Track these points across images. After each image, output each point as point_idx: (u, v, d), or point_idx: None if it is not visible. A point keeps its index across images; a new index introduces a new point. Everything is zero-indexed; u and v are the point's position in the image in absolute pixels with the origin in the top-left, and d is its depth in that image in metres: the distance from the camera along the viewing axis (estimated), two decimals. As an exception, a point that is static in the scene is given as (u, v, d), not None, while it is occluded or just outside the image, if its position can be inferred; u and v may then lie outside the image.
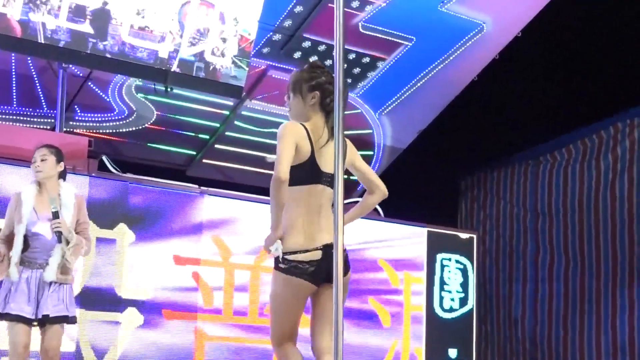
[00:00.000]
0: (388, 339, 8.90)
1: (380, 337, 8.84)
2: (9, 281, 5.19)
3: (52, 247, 5.25)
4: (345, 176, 4.27)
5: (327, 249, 4.03)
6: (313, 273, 4.06)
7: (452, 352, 9.45)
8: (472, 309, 9.71)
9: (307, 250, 4.06)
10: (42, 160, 5.42)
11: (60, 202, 5.34)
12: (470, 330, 9.67)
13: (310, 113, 4.28)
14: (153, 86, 8.66)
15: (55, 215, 5.25)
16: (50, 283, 5.22)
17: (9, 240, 5.27)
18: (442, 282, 9.45)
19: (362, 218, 8.67)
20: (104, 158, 7.77)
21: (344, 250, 4.09)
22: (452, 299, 9.54)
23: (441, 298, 9.44)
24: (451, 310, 9.53)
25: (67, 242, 5.26)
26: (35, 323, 5.23)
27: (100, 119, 9.18)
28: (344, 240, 3.88)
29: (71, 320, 5.35)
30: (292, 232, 4.08)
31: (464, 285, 9.67)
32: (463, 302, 9.62)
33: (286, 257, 4.05)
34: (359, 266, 8.57)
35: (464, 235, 9.80)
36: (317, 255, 4.07)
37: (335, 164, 4.07)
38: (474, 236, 9.83)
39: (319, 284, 4.10)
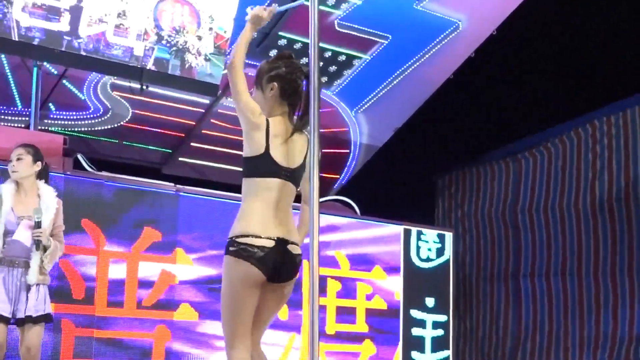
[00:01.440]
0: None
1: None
2: None
3: (30, 249, 5.25)
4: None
5: (281, 243, 3.97)
6: (262, 260, 3.92)
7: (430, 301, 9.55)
8: (448, 260, 9.77)
9: (258, 237, 3.94)
10: (17, 159, 5.41)
11: (40, 206, 5.33)
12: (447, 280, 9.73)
13: (271, 105, 4.17)
14: (128, 84, 8.62)
15: (38, 225, 5.26)
16: (30, 285, 5.24)
17: None
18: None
19: (338, 216, 8.79)
20: (79, 156, 7.71)
21: (299, 255, 4.08)
22: (429, 249, 9.56)
23: (418, 248, 9.45)
24: (428, 260, 9.60)
25: (45, 249, 5.28)
26: (11, 322, 5.21)
27: (75, 117, 9.14)
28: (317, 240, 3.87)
29: (50, 318, 5.38)
30: (246, 219, 3.98)
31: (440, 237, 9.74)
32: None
33: (236, 239, 3.94)
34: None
35: (440, 233, 9.81)
36: (269, 243, 3.94)
37: (310, 161, 4.06)
38: (451, 234, 9.85)
39: (266, 276, 3.96)
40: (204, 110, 9.74)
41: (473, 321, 11.20)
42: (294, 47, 9.41)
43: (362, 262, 8.96)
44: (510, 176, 10.99)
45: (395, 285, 9.15)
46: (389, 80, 10.30)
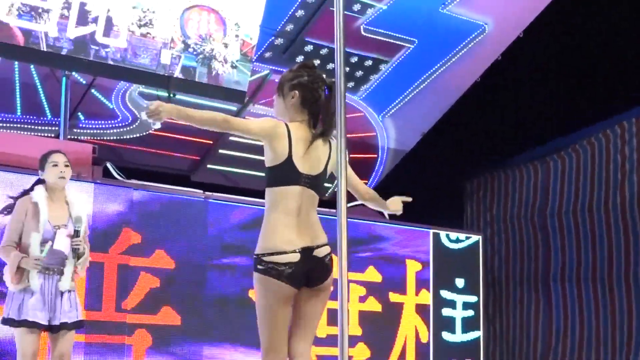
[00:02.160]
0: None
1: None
2: (27, 290, 5.18)
3: (65, 257, 5.28)
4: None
5: (306, 252, 4.00)
6: (290, 275, 3.96)
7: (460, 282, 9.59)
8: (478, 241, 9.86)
9: (284, 252, 3.97)
10: (66, 165, 5.42)
11: (72, 212, 5.37)
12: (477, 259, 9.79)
13: (292, 112, 4.22)
14: (156, 92, 8.67)
15: (77, 234, 5.30)
16: (64, 291, 5.27)
17: (20, 247, 5.27)
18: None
19: (365, 221, 8.78)
20: (108, 165, 7.77)
21: (328, 255, 4.09)
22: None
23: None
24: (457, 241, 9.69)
25: (79, 257, 5.31)
26: (46, 330, 5.24)
27: (104, 126, 9.20)
28: (346, 241, 3.86)
29: (82, 324, 5.42)
30: (268, 234, 4.01)
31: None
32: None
33: (263, 258, 3.98)
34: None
35: (469, 236, 9.77)
36: (295, 257, 3.97)
37: (338, 166, 4.05)
38: (480, 237, 9.81)
39: (298, 287, 4.02)
40: (231, 117, 9.76)
41: (503, 325, 11.14)
42: (320, 52, 9.44)
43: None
44: (539, 179, 10.92)
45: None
46: (416, 84, 10.29)
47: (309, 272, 4.03)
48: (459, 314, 9.49)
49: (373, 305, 8.81)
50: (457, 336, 9.44)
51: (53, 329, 5.22)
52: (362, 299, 8.74)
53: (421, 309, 9.21)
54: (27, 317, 5.11)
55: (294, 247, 3.99)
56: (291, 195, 4.04)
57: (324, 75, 4.31)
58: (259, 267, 3.99)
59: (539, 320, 10.71)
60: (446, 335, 9.32)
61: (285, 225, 4.01)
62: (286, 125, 4.13)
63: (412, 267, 9.17)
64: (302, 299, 4.09)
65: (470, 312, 9.59)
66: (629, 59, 10.33)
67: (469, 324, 9.58)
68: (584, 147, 10.38)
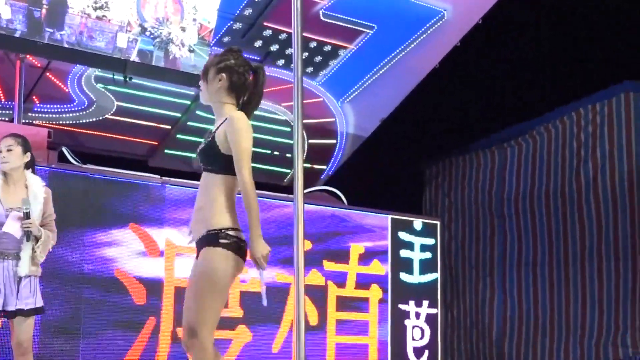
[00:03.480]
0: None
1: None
2: None
3: (20, 241, 5.22)
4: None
5: None
6: (245, 253, 4.04)
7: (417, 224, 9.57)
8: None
9: (241, 230, 4.03)
10: (8, 150, 5.33)
11: (29, 196, 5.29)
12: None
13: (219, 96, 4.25)
14: (112, 76, 8.56)
15: (27, 215, 5.22)
16: (21, 277, 5.20)
17: None
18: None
19: (325, 206, 8.75)
20: (64, 149, 7.67)
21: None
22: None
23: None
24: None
25: (37, 239, 5.24)
26: (1, 315, 5.18)
27: (59, 110, 9.09)
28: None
29: (41, 310, 5.34)
30: (229, 211, 4.03)
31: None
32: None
33: (228, 232, 3.98)
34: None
35: (427, 222, 9.77)
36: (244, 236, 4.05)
37: (295, 152, 4.05)
38: (438, 223, 9.84)
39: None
40: (189, 102, 9.70)
41: (460, 310, 11.23)
42: (279, 37, 9.39)
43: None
44: (496, 165, 11.00)
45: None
46: (375, 70, 10.28)
47: None
48: (416, 255, 9.47)
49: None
50: (415, 277, 9.44)
51: (8, 315, 5.14)
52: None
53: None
54: None
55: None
56: (236, 184, 4.09)
57: (249, 60, 4.34)
58: (223, 241, 3.96)
59: (493, 305, 10.81)
60: (404, 277, 9.34)
61: (233, 208, 4.07)
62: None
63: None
64: None
65: (428, 255, 9.55)
66: (586, 47, 10.43)
67: (426, 266, 9.55)
68: (540, 134, 10.47)
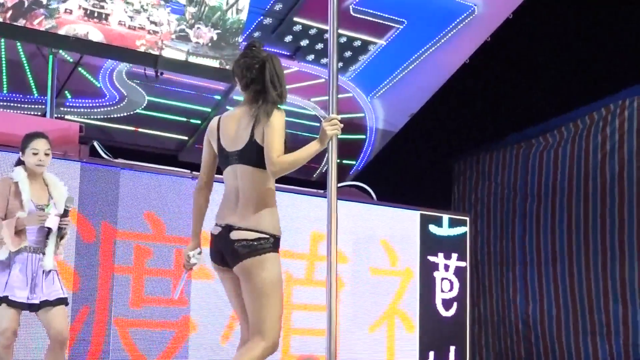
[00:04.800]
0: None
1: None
2: (6, 264, 5.19)
3: (45, 236, 5.28)
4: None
5: (226, 229, 4.01)
6: (211, 247, 4.08)
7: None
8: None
9: (216, 225, 4.07)
10: (46, 154, 5.41)
11: (51, 193, 5.39)
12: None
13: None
14: (144, 71, 8.62)
15: (66, 213, 5.33)
16: (47, 270, 5.28)
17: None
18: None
19: (355, 202, 8.75)
20: (95, 143, 7.72)
21: (240, 240, 3.96)
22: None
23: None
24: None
25: (62, 237, 5.34)
26: (24, 308, 5.23)
27: (91, 105, 9.16)
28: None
29: (65, 301, 5.39)
30: (274, 214, 4.04)
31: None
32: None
33: (279, 238, 4.06)
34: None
35: (457, 217, 9.75)
36: (216, 231, 4.05)
37: (329, 149, 4.06)
38: (467, 218, 9.82)
39: (217, 261, 4.09)
40: (219, 97, 9.74)
41: (487, 307, 11.20)
42: (309, 32, 9.40)
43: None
44: (521, 161, 10.97)
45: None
46: (405, 65, 10.27)
47: (223, 251, 4.07)
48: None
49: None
50: (444, 230, 9.47)
51: (32, 307, 5.21)
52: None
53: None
54: (10, 294, 5.11)
55: (220, 222, 4.06)
56: (228, 177, 4.09)
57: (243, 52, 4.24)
58: (274, 246, 3.99)
59: (517, 302, 10.78)
60: (433, 229, 9.36)
61: (222, 206, 4.09)
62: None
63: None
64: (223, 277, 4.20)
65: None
66: (618, 42, 10.33)
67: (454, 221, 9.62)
68: (568, 129, 10.42)
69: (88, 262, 6.90)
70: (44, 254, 5.26)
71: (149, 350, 7.17)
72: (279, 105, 4.06)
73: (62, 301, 5.32)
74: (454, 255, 9.50)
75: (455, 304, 9.45)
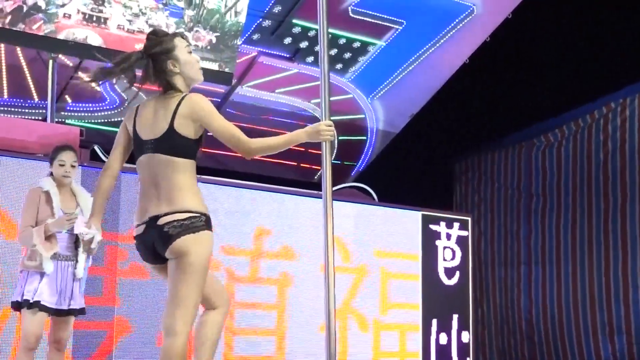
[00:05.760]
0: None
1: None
2: (40, 272, 5.26)
3: (77, 244, 5.38)
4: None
5: (150, 221, 3.91)
6: (139, 248, 4.00)
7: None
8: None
9: (137, 225, 3.98)
10: (72, 166, 5.52)
11: (79, 203, 5.52)
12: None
13: None
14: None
15: None
16: (78, 279, 5.41)
17: None
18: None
19: (356, 203, 8.73)
20: (96, 147, 7.75)
21: (169, 223, 3.85)
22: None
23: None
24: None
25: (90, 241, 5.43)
26: (53, 314, 5.33)
27: (91, 109, 9.17)
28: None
29: (84, 311, 5.53)
30: (199, 195, 3.97)
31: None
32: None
33: (209, 215, 3.95)
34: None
35: (459, 218, 9.75)
36: (140, 230, 3.95)
37: (323, 151, 4.06)
38: (469, 219, 9.82)
39: (149, 260, 4.01)
40: (219, 99, 9.74)
41: (490, 307, 11.20)
42: (308, 34, 9.40)
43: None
44: (523, 160, 10.97)
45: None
46: (405, 66, 10.27)
47: (153, 243, 3.96)
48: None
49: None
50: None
51: (61, 313, 5.31)
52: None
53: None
54: (41, 299, 5.21)
55: (143, 218, 3.96)
56: (142, 167, 3.98)
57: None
58: (207, 224, 3.90)
59: (520, 301, 10.78)
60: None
61: (142, 197, 4.00)
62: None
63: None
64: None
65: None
66: (619, 40, 10.33)
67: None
68: (570, 128, 10.42)
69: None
70: (75, 261, 5.37)
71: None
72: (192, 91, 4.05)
73: (83, 311, 5.46)
74: (456, 225, 9.50)
75: (457, 273, 9.43)
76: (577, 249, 10.11)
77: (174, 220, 3.84)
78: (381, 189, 9.66)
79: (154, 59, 4.05)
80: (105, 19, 7.79)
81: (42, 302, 5.20)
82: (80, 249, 5.37)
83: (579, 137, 10.29)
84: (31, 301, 5.20)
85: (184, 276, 3.81)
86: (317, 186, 9.46)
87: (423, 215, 9.29)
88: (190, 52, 4.13)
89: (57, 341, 5.38)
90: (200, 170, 4.14)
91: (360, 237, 8.75)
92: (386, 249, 8.91)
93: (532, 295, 10.61)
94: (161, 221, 3.85)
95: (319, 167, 10.26)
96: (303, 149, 10.13)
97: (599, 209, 9.91)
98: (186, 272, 3.80)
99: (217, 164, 9.99)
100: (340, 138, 10.30)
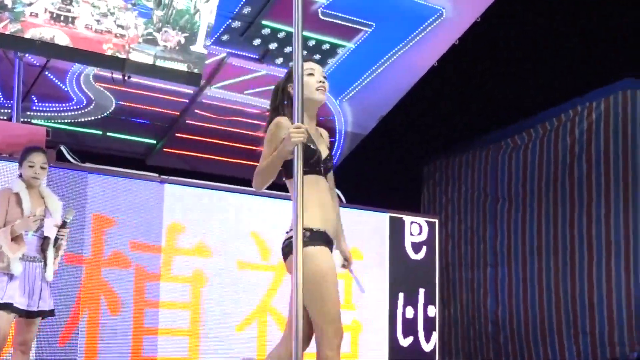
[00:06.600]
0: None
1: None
2: (8, 273, 5.23)
3: (46, 247, 5.36)
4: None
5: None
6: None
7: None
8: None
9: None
10: (42, 168, 5.49)
11: (48, 206, 5.49)
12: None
13: None
14: (111, 75, 8.55)
15: (64, 225, 5.46)
16: (48, 281, 5.39)
17: None
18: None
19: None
20: (62, 148, 7.67)
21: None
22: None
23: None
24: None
25: (58, 248, 5.39)
26: (22, 315, 5.29)
27: (58, 109, 9.09)
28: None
29: (53, 313, 5.51)
30: None
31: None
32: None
33: None
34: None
35: (426, 220, 9.77)
36: None
37: (295, 153, 4.05)
38: (436, 221, 9.85)
39: None
40: (188, 101, 9.70)
41: (457, 309, 11.25)
42: (278, 36, 9.38)
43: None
44: (490, 163, 11.03)
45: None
46: (374, 68, 10.28)
47: None
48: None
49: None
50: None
51: (30, 314, 5.29)
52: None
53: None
54: (10, 300, 5.18)
55: None
56: None
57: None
58: (310, 239, 4.03)
59: (487, 303, 10.84)
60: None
61: None
62: None
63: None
64: None
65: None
66: (585, 44, 10.42)
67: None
68: (537, 131, 10.49)
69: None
70: (44, 264, 5.35)
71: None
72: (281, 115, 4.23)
73: (52, 313, 5.45)
74: (424, 226, 9.54)
75: (424, 247, 9.47)
76: (543, 251, 10.18)
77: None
78: (350, 191, 9.66)
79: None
80: (73, 19, 7.72)
81: (14, 305, 5.17)
82: (49, 252, 5.34)
83: (545, 140, 10.37)
84: (1, 302, 5.16)
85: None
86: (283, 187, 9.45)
87: (391, 217, 9.31)
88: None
89: (23, 343, 5.35)
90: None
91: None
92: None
93: (498, 297, 10.68)
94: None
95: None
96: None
97: (565, 212, 10.00)
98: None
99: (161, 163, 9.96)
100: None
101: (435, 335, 9.40)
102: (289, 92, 4.25)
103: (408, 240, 9.36)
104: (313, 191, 4.10)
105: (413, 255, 9.37)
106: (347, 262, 4.40)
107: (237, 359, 7.88)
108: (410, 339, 9.21)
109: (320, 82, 4.29)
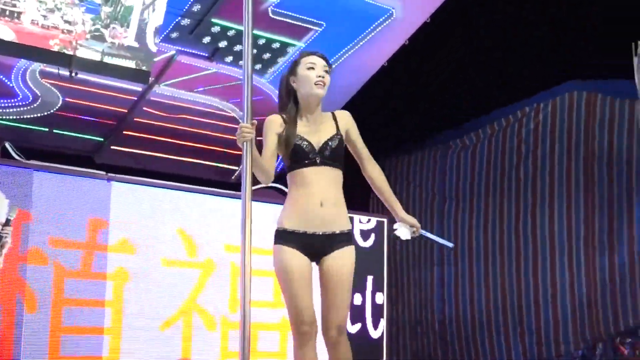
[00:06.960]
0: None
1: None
2: None
3: None
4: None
5: None
6: None
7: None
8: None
9: None
10: None
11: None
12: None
13: None
14: (57, 71, 8.45)
15: (7, 222, 5.50)
16: None
17: None
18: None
19: (269, 203, 8.65)
20: (7, 144, 7.56)
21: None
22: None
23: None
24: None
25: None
26: None
27: (3, 105, 8.95)
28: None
29: None
30: None
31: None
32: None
33: None
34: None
35: (375, 219, 9.81)
36: None
37: (244, 150, 4.05)
38: (385, 220, 9.89)
39: None
40: (136, 98, 9.61)
41: (405, 307, 11.32)
42: (228, 34, 9.34)
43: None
44: (439, 163, 11.12)
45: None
46: (324, 67, 10.27)
47: None
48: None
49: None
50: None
51: None
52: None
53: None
54: None
55: None
56: None
57: None
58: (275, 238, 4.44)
59: (434, 302, 10.93)
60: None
61: None
62: None
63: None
64: None
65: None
66: (535, 46, 10.54)
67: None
68: (485, 132, 10.60)
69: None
70: None
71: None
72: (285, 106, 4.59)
73: None
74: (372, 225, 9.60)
75: (372, 235, 9.51)
76: (489, 251, 10.29)
77: None
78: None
79: None
80: (19, 14, 7.60)
81: None
82: None
83: (493, 140, 10.48)
84: None
85: None
86: (233, 186, 9.43)
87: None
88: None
89: None
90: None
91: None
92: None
93: (445, 296, 10.77)
94: None
95: (236, 167, 10.23)
96: (223, 150, 10.09)
97: (511, 212, 10.12)
98: None
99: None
100: (258, 138, 10.25)
101: (383, 322, 9.42)
102: (291, 84, 4.50)
103: (357, 228, 9.39)
104: (292, 189, 4.38)
105: (362, 243, 9.39)
106: (415, 228, 4.65)
107: (159, 358, 7.68)
108: (359, 325, 9.24)
109: (319, 76, 4.35)
